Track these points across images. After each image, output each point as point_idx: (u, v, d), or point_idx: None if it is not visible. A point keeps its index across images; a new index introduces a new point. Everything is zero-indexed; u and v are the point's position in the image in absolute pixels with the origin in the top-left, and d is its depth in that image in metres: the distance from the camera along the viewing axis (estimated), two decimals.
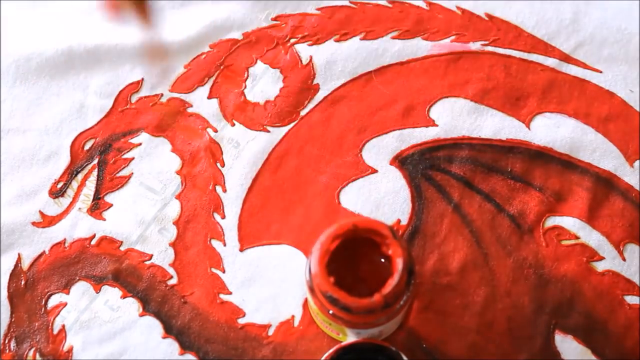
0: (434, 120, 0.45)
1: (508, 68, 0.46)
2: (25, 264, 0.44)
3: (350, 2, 0.48)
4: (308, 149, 0.45)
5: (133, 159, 0.46)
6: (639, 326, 0.40)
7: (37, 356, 0.42)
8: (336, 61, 0.47)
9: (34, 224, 0.45)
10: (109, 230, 0.44)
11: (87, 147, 0.46)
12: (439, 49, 0.47)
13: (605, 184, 0.43)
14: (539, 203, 0.43)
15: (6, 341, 0.42)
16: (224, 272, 0.43)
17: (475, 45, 0.46)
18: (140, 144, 0.46)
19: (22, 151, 0.46)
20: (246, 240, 0.43)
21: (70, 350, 0.42)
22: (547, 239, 0.42)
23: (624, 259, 0.42)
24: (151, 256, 0.43)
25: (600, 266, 0.42)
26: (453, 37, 0.47)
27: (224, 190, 0.44)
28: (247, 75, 0.47)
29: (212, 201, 0.44)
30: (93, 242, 0.44)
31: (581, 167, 0.43)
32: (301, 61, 0.47)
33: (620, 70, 0.45)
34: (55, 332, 0.42)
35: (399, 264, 0.35)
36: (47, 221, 0.45)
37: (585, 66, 0.45)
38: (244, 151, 0.45)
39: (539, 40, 0.46)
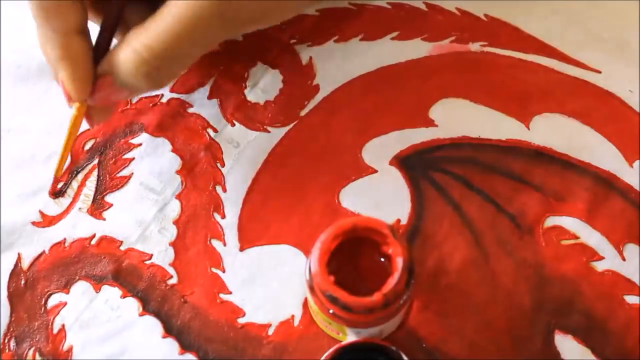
0: (433, 121, 0.45)
1: (508, 69, 0.46)
2: (25, 264, 0.44)
3: (350, 4, 0.48)
4: (308, 149, 0.45)
5: (133, 159, 0.46)
6: (639, 326, 0.40)
7: (37, 356, 0.42)
8: (336, 62, 0.47)
9: (34, 223, 0.45)
10: (109, 230, 0.44)
11: (87, 147, 0.46)
12: (439, 50, 0.47)
13: (605, 184, 0.43)
14: (539, 203, 0.43)
15: (6, 340, 0.42)
16: (224, 271, 0.43)
17: (474, 46, 0.47)
18: (140, 144, 0.46)
19: (22, 151, 0.46)
20: (246, 240, 0.43)
21: (70, 349, 0.42)
22: (547, 239, 0.42)
23: (623, 259, 0.42)
24: (151, 256, 0.43)
25: (600, 266, 0.42)
26: (453, 38, 0.47)
27: (224, 190, 0.44)
28: (247, 76, 0.47)
29: (212, 201, 0.44)
30: (93, 241, 0.44)
31: (581, 167, 0.43)
32: (301, 62, 0.47)
33: (620, 71, 0.45)
34: (55, 331, 0.42)
35: (399, 263, 0.35)
36: (47, 221, 0.45)
37: (584, 66, 0.45)
38: (244, 151, 0.45)
39: (539, 41, 0.46)
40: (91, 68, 0.38)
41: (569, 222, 0.42)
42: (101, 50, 0.39)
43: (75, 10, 0.37)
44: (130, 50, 0.36)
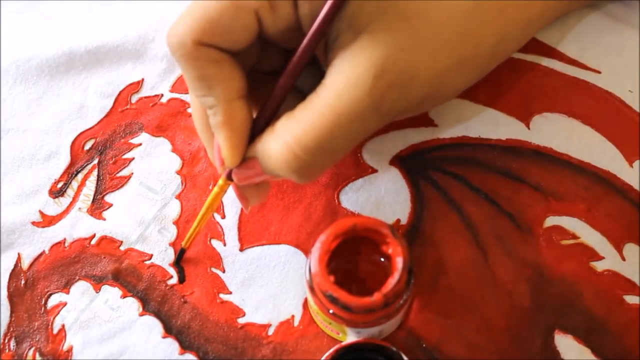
0: (433, 121, 0.45)
1: (508, 69, 0.46)
2: (25, 264, 0.44)
3: None
4: None
5: (133, 159, 0.46)
6: (639, 326, 0.40)
7: (37, 356, 0.42)
8: None
9: (34, 223, 0.45)
10: (109, 230, 0.44)
11: (87, 147, 0.46)
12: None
13: (605, 184, 0.43)
14: (539, 203, 0.43)
15: (6, 340, 0.42)
16: (224, 272, 0.43)
17: None
18: (140, 144, 0.46)
19: (22, 151, 0.46)
20: (246, 240, 0.43)
21: (70, 349, 0.42)
22: (547, 239, 0.42)
23: (623, 259, 0.42)
24: (151, 256, 0.43)
25: (600, 266, 0.42)
26: None
27: None
28: None
29: None
30: (93, 241, 0.44)
31: (581, 167, 0.43)
32: None
33: (620, 71, 0.45)
34: (55, 331, 0.42)
35: (398, 262, 0.35)
36: (47, 221, 0.45)
37: (584, 67, 0.45)
38: None
39: (539, 42, 0.46)
40: (248, 136, 0.36)
41: (569, 222, 0.42)
42: (262, 119, 0.37)
43: (238, 76, 0.36)
44: (281, 142, 0.34)
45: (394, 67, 0.34)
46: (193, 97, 0.38)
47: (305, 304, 0.42)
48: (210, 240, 0.44)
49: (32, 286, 0.43)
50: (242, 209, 0.44)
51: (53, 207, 0.45)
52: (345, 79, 0.34)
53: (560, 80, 0.45)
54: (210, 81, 0.35)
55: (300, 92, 0.39)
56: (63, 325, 0.42)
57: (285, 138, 0.34)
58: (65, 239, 0.44)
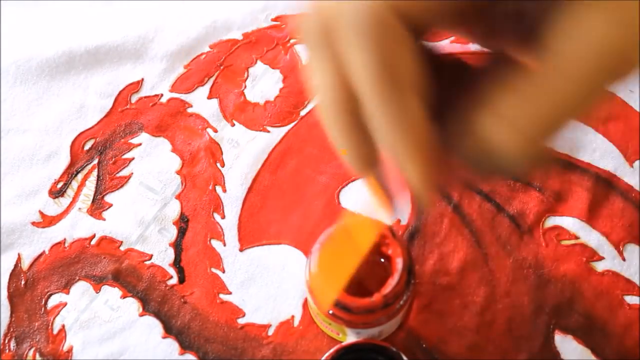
0: None
1: None
2: (25, 264, 0.44)
3: None
4: (308, 149, 0.45)
5: (133, 159, 0.46)
6: (639, 326, 0.40)
7: (37, 356, 0.42)
8: None
9: (34, 223, 0.45)
10: (109, 230, 0.44)
11: (87, 147, 0.46)
12: (439, 49, 0.46)
13: (605, 184, 0.43)
14: (539, 203, 0.43)
15: (6, 341, 0.42)
16: (224, 272, 0.43)
17: (474, 46, 0.46)
18: (140, 144, 0.46)
19: (22, 151, 0.46)
20: (246, 240, 0.43)
21: (70, 350, 0.42)
22: (547, 239, 0.42)
23: (623, 259, 0.42)
24: (151, 256, 0.43)
25: (600, 266, 0.42)
26: (452, 38, 0.47)
27: (224, 190, 0.44)
28: (247, 76, 0.47)
29: (212, 201, 0.44)
30: (93, 242, 0.44)
31: (581, 167, 0.43)
32: (301, 62, 0.47)
33: None
34: (55, 332, 0.42)
35: (398, 263, 0.35)
36: (47, 221, 0.45)
37: None
38: (244, 151, 0.45)
39: None
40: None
41: (569, 222, 0.42)
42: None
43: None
44: (508, 126, 0.24)
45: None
46: (327, 77, 0.25)
47: (305, 304, 0.42)
48: (210, 240, 0.44)
49: (32, 286, 0.43)
50: (242, 209, 0.44)
51: (53, 207, 0.45)
52: (586, 47, 0.26)
53: None
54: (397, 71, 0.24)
55: None
56: (63, 326, 0.42)
57: (514, 120, 0.24)
58: (65, 239, 0.44)
